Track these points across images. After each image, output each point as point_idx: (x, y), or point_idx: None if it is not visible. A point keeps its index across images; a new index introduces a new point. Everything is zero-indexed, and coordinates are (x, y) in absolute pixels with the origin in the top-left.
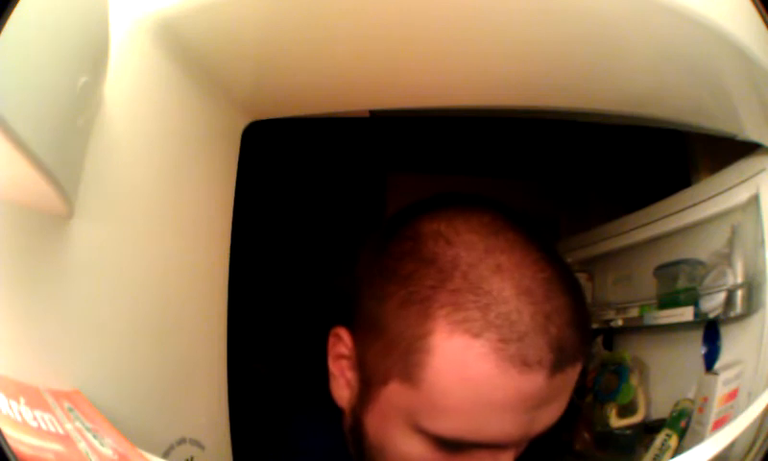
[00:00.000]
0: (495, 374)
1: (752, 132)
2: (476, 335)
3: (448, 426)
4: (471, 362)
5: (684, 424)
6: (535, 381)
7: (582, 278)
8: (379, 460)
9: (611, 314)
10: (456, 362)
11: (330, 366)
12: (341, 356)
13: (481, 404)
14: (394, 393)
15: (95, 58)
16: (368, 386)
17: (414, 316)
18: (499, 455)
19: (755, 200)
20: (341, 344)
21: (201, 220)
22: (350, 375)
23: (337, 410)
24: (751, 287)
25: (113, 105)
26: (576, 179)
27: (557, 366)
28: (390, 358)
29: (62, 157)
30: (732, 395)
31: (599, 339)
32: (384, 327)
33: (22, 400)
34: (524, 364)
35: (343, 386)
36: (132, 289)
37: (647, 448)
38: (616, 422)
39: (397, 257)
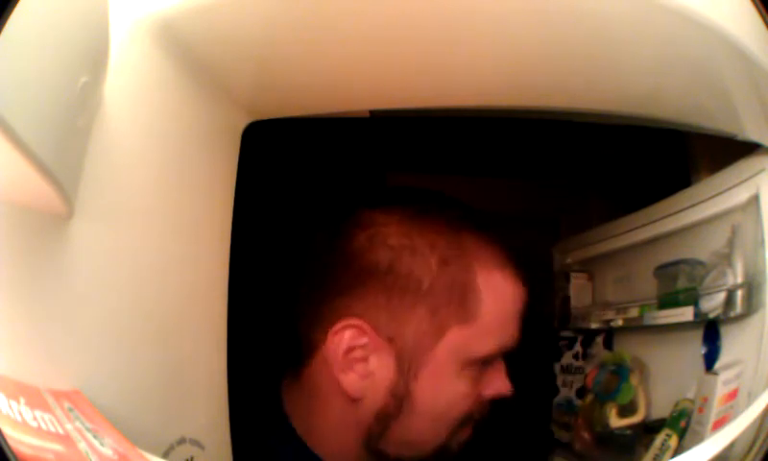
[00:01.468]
0: (516, 290)
1: (752, 132)
2: (502, 267)
3: (492, 345)
4: (506, 287)
5: (683, 424)
6: (524, 291)
7: (582, 278)
8: (412, 432)
9: (611, 314)
10: (498, 291)
11: (341, 362)
12: (353, 349)
13: (511, 317)
14: (452, 339)
15: (95, 58)
16: (414, 354)
17: (454, 270)
18: (502, 362)
19: (755, 200)
20: (352, 335)
21: (201, 220)
22: (369, 361)
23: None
24: (751, 287)
25: (113, 105)
26: (576, 179)
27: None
28: (441, 312)
29: (62, 157)
30: (732, 395)
31: (599, 339)
32: (427, 290)
33: (22, 400)
34: (521, 279)
35: (357, 378)
36: (131, 289)
37: (647, 448)
38: (616, 422)
39: (422, 233)
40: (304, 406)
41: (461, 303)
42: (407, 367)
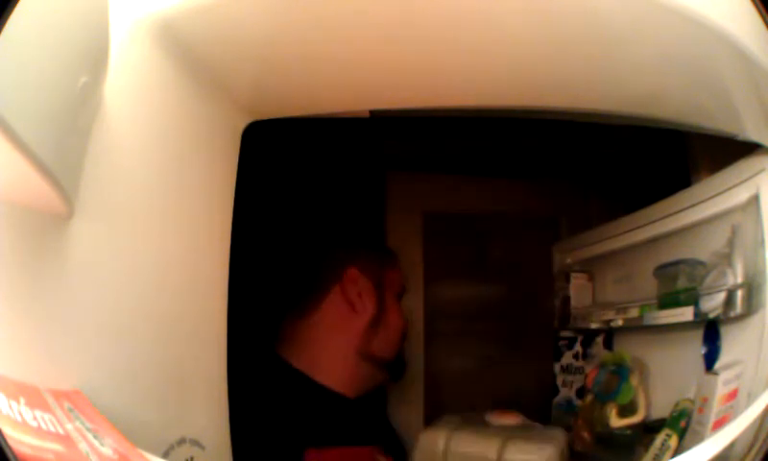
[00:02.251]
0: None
1: (752, 132)
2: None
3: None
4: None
5: (683, 424)
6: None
7: (582, 278)
8: (386, 341)
9: (611, 314)
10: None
11: (352, 292)
12: (356, 282)
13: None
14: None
15: (95, 58)
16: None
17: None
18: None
19: (755, 200)
20: (355, 275)
21: (200, 219)
22: (364, 292)
23: None
24: (751, 287)
25: (113, 105)
26: (576, 179)
27: None
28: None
29: (62, 157)
30: (732, 395)
31: (599, 339)
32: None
33: (22, 400)
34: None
35: (358, 299)
36: (131, 289)
37: (647, 448)
38: (616, 422)
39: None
40: (310, 344)
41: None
42: (381, 298)
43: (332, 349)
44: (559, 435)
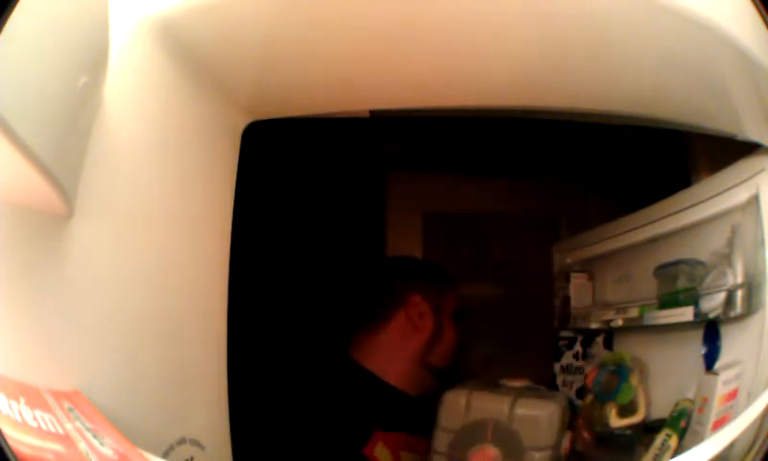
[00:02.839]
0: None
1: (752, 132)
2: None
3: None
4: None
5: (683, 424)
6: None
7: (582, 278)
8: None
9: (611, 314)
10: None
11: (415, 317)
12: (418, 309)
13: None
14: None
15: (95, 58)
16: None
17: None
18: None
19: (755, 200)
20: (418, 300)
21: (201, 219)
22: (425, 316)
23: None
24: (751, 287)
25: (113, 105)
26: (576, 179)
27: None
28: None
29: (62, 157)
30: (732, 395)
31: (599, 339)
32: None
33: (22, 400)
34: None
35: (419, 322)
36: (131, 289)
37: (647, 448)
38: (616, 422)
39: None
40: (379, 351)
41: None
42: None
43: (397, 356)
44: (561, 397)
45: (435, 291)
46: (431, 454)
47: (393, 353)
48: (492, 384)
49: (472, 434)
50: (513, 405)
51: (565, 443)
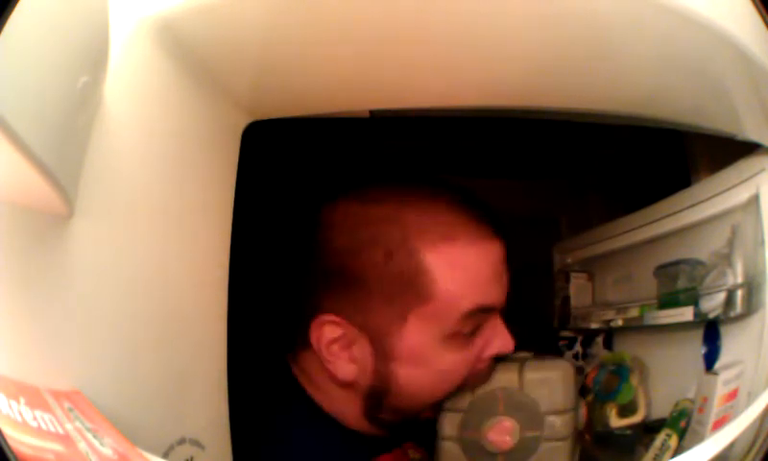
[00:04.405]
0: (478, 251)
1: (752, 132)
2: (451, 238)
3: (463, 312)
4: (461, 255)
5: (683, 424)
6: (494, 245)
7: (582, 278)
8: (406, 402)
9: (611, 314)
10: (452, 262)
11: (325, 354)
12: (333, 341)
13: (482, 278)
14: (416, 321)
15: (95, 57)
16: (385, 339)
17: (400, 259)
18: (499, 319)
19: (755, 200)
20: (329, 329)
21: (201, 220)
22: (352, 349)
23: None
24: (751, 287)
25: (113, 105)
26: (576, 179)
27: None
28: (396, 301)
29: (62, 157)
30: (732, 395)
31: (599, 339)
32: (377, 284)
33: (22, 400)
34: (487, 234)
35: (345, 364)
36: (131, 289)
37: (647, 448)
38: (616, 422)
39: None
40: (309, 381)
41: (413, 287)
42: (382, 350)
43: (331, 395)
44: (569, 360)
45: None
46: (439, 441)
47: (324, 391)
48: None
49: (483, 409)
50: (521, 371)
51: (582, 410)
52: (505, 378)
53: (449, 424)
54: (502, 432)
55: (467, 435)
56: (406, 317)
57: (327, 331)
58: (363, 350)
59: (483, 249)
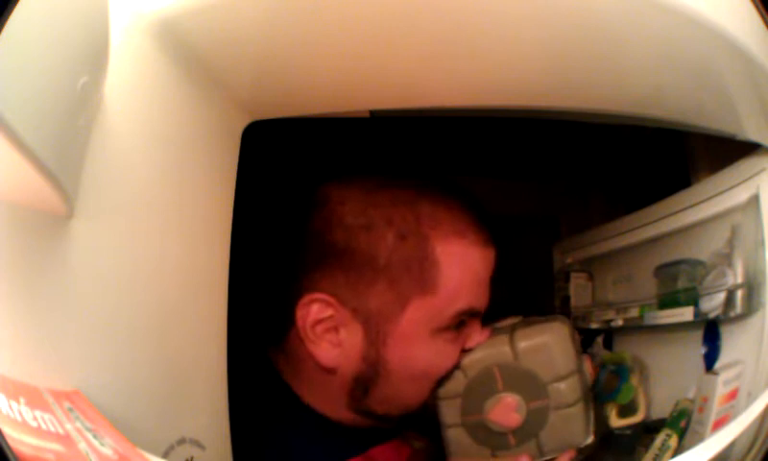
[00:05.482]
0: (479, 255)
1: (752, 132)
2: (461, 234)
3: (458, 309)
4: (467, 254)
5: (683, 424)
6: (490, 254)
7: (582, 278)
8: (393, 392)
9: (611, 314)
10: (459, 259)
11: (309, 334)
12: (319, 321)
13: (476, 281)
14: (415, 309)
15: (95, 58)
16: (380, 324)
17: (411, 244)
18: (479, 322)
19: (755, 200)
20: (318, 308)
21: (201, 220)
22: (339, 332)
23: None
24: (751, 287)
25: (113, 105)
26: (576, 179)
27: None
28: (401, 285)
29: (62, 156)
30: (732, 395)
31: (599, 339)
32: (384, 265)
33: (22, 400)
34: (487, 242)
35: (328, 346)
36: (131, 289)
37: (647, 448)
38: (616, 422)
39: (378, 205)
40: (293, 371)
41: (419, 275)
42: (375, 336)
43: (315, 384)
44: (561, 316)
45: None
46: (444, 430)
47: (307, 382)
48: None
49: (481, 390)
50: (513, 342)
51: (587, 365)
52: (498, 353)
53: (449, 412)
54: (507, 410)
55: (470, 419)
56: (405, 304)
57: (315, 310)
58: (352, 335)
59: (484, 253)
